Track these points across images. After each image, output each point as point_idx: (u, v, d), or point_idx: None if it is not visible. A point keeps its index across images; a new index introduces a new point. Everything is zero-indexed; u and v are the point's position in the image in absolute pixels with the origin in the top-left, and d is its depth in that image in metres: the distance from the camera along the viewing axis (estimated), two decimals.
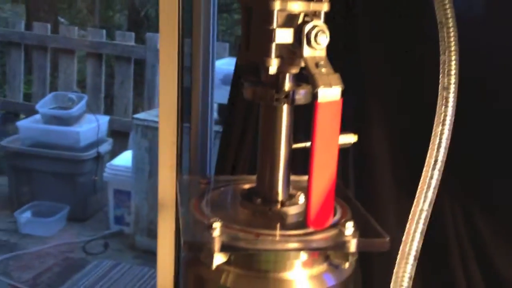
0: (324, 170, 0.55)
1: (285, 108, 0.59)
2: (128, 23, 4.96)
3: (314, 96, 0.52)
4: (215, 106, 1.46)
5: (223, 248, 0.55)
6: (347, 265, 0.66)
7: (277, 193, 0.61)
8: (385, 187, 0.86)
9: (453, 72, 0.49)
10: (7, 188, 3.07)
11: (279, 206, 0.61)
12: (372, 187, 0.88)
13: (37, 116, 3.04)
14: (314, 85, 0.52)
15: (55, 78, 3.66)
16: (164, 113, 0.99)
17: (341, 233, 0.63)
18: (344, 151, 1.05)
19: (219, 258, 0.56)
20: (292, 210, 0.61)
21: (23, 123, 3.08)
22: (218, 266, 0.57)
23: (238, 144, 1.01)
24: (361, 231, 0.66)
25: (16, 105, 3.66)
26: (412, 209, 0.57)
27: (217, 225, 0.56)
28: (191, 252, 0.58)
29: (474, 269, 0.83)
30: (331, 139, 0.55)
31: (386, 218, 0.84)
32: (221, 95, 1.22)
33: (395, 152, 0.84)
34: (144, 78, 3.37)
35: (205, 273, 0.58)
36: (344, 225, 0.63)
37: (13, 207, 2.94)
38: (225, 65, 2.43)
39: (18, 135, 3.03)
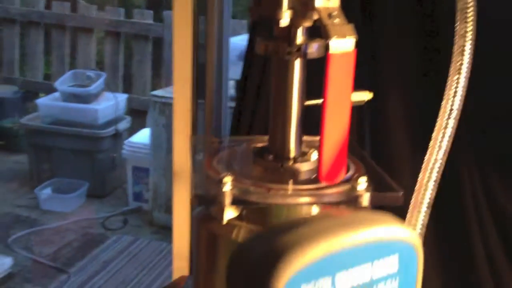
0: (336, 124, 0.55)
1: (297, 62, 0.58)
2: (146, 2, 4.96)
3: (327, 47, 0.51)
4: (232, 83, 1.45)
5: (234, 202, 0.54)
6: None
7: (289, 150, 0.60)
8: (401, 145, 0.85)
9: (470, 19, 0.47)
10: (28, 166, 3.12)
11: (291, 162, 0.60)
12: (387, 145, 0.87)
13: (56, 94, 3.06)
14: (326, 36, 0.51)
15: (74, 57, 3.68)
16: (179, 88, 1.00)
17: (354, 188, 0.63)
18: (359, 110, 1.05)
19: (230, 213, 0.56)
20: (304, 167, 0.60)
21: (42, 101, 3.11)
22: (229, 221, 0.56)
23: (251, 115, 1.01)
24: (375, 186, 0.65)
25: (36, 84, 3.69)
26: (426, 157, 0.56)
27: (228, 180, 0.55)
28: (202, 206, 0.58)
29: (490, 228, 0.82)
30: (344, 92, 0.54)
31: (402, 175, 0.83)
32: (237, 71, 1.22)
33: (411, 109, 0.83)
34: (162, 56, 3.38)
35: (216, 229, 0.58)
36: (356, 180, 0.63)
37: (33, 184, 2.98)
38: (242, 41, 2.42)
39: (38, 113, 3.06)
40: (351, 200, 0.63)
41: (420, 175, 0.56)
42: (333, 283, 0.28)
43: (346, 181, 0.65)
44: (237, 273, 0.27)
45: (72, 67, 3.60)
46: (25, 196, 2.98)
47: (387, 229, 0.29)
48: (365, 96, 0.67)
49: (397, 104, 0.84)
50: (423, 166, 0.56)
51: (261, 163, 0.61)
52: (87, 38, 3.55)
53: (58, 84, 3.05)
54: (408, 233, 0.29)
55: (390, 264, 0.30)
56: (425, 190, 0.56)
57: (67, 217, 2.81)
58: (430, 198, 0.56)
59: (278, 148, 0.61)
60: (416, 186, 0.57)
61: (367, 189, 0.62)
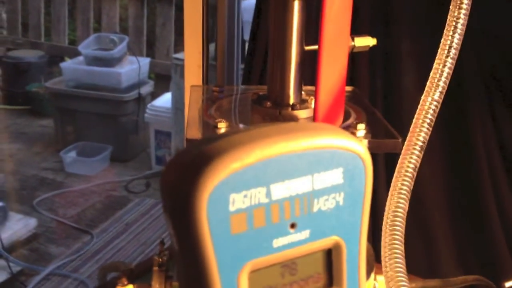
0: (333, 67, 0.52)
1: (296, 3, 0.56)
2: None
3: None
4: None
5: None
6: None
7: (288, 96, 0.59)
8: (410, 89, 0.83)
9: None
10: (53, 129, 3.15)
11: (289, 109, 0.58)
12: (400, 99, 0.85)
13: (80, 58, 3.07)
14: None
15: (98, 21, 3.68)
16: (190, 34, 0.99)
17: (352, 134, 0.61)
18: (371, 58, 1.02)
19: None
20: (303, 114, 0.58)
21: (67, 65, 3.13)
22: None
23: (260, 75, 0.99)
24: (375, 134, 0.63)
25: (61, 48, 3.71)
26: (422, 97, 0.53)
27: (222, 125, 0.54)
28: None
29: (501, 175, 0.79)
30: (341, 34, 0.52)
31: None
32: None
33: (421, 51, 0.80)
34: None
35: None
36: (355, 127, 0.61)
37: (58, 147, 3.01)
38: None
39: (62, 76, 3.08)
40: None
41: (416, 116, 0.54)
42: (268, 194, 0.26)
43: (345, 128, 0.64)
44: (164, 179, 0.26)
45: (97, 31, 3.60)
46: (50, 159, 3.02)
47: (330, 138, 0.26)
48: (370, 41, 0.64)
49: (407, 46, 0.82)
50: (419, 106, 0.54)
51: (259, 110, 0.60)
52: (111, 2, 3.54)
53: (81, 47, 3.05)
54: (354, 145, 0.27)
55: (334, 177, 0.27)
56: (419, 132, 0.53)
57: (91, 180, 2.84)
58: (423, 142, 0.54)
59: (277, 94, 0.59)
60: (411, 127, 0.54)
61: (365, 136, 0.61)
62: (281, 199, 0.26)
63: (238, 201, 0.25)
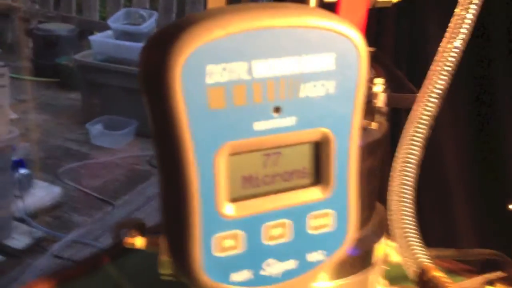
0: (351, 17, 0.50)
1: None
2: None
3: None
4: None
5: None
6: (373, 125, 0.62)
7: None
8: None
9: None
10: (81, 102, 3.18)
11: None
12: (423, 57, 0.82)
13: (109, 32, 3.08)
14: None
15: None
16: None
17: (369, 89, 0.60)
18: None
19: None
20: None
21: (95, 38, 3.15)
22: None
23: None
24: (393, 90, 0.62)
25: (92, 23, 3.73)
26: (441, 44, 0.51)
27: None
28: None
29: None
30: None
31: None
32: None
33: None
34: None
35: None
36: (372, 81, 0.60)
37: (85, 119, 3.04)
38: None
39: (91, 50, 3.10)
40: (366, 100, 0.60)
41: (433, 62, 0.51)
42: (249, 71, 0.24)
43: None
44: (141, 52, 0.24)
45: (127, 7, 3.60)
46: (77, 131, 3.04)
47: (321, 18, 0.24)
48: None
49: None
50: (438, 53, 0.51)
51: None
52: None
53: (110, 21, 3.07)
54: (346, 29, 0.25)
55: (324, 62, 0.25)
56: (437, 79, 0.51)
57: (115, 153, 2.86)
58: (441, 89, 0.52)
59: None
60: (428, 74, 0.52)
61: (383, 90, 0.59)
62: (264, 78, 0.24)
63: (216, 73, 0.23)
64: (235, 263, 0.25)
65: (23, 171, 2.29)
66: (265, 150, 0.25)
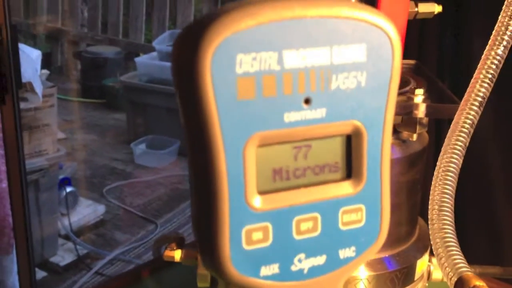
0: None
1: None
2: None
3: None
4: None
5: None
6: (415, 137, 0.61)
7: None
8: None
9: None
10: (125, 122, 3.25)
11: None
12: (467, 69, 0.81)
13: (154, 53, 3.15)
14: None
15: (173, 19, 3.77)
16: None
17: (410, 99, 0.59)
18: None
19: None
20: None
21: (141, 59, 3.22)
22: None
23: None
24: (434, 100, 0.61)
25: (137, 45, 3.82)
26: (485, 52, 0.50)
27: None
28: None
29: None
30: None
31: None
32: None
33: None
34: None
35: None
36: (413, 92, 0.59)
37: (130, 139, 3.10)
38: None
39: (136, 71, 3.17)
40: (405, 110, 0.59)
41: (476, 71, 0.50)
42: (280, 61, 0.24)
43: (403, 93, 0.62)
44: (174, 45, 0.24)
45: (172, 29, 3.68)
46: (122, 150, 3.10)
47: (353, 9, 0.24)
48: (434, 8, 0.62)
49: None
50: (481, 61, 0.50)
51: None
52: (187, 1, 3.62)
53: (156, 43, 3.13)
54: (380, 20, 0.24)
55: (355, 53, 0.25)
56: (480, 87, 0.50)
57: (159, 172, 2.89)
58: (482, 98, 0.50)
59: None
60: (471, 82, 0.51)
61: (424, 101, 0.58)
62: (295, 69, 0.24)
63: (246, 63, 0.23)
64: (264, 257, 0.25)
65: (69, 189, 2.34)
66: (295, 142, 0.25)
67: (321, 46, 0.24)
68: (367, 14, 0.25)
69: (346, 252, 0.26)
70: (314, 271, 0.26)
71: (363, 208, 0.26)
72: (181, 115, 0.25)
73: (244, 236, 0.25)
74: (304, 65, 0.24)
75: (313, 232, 0.26)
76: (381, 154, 0.26)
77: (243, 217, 0.25)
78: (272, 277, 0.25)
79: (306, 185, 0.26)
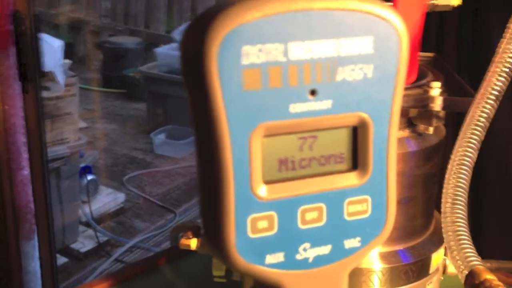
0: (408, 20, 0.50)
1: None
2: None
3: None
4: None
5: None
6: (431, 130, 0.61)
7: None
8: None
9: None
10: (145, 112, 3.28)
11: None
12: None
13: (174, 44, 3.16)
14: None
15: (194, 10, 3.78)
16: None
17: (426, 92, 0.59)
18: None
19: None
20: None
21: (161, 50, 3.23)
22: None
23: None
24: (451, 93, 0.60)
25: (158, 36, 3.84)
26: (502, 46, 0.49)
27: None
28: None
29: None
30: None
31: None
32: None
33: None
34: None
35: None
36: (430, 85, 0.59)
37: (150, 129, 3.13)
38: None
39: (156, 61, 3.18)
40: (422, 103, 0.59)
41: (493, 64, 0.50)
42: (285, 53, 0.24)
43: (419, 86, 0.61)
44: (182, 37, 0.25)
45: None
46: (141, 140, 3.13)
47: (360, 2, 0.24)
48: (453, 0, 0.62)
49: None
50: (498, 54, 0.50)
51: None
52: None
53: (175, 34, 3.14)
54: (386, 12, 0.24)
55: (362, 45, 0.25)
56: (496, 80, 0.50)
57: (178, 162, 2.91)
58: (499, 91, 0.50)
59: None
60: (487, 76, 0.50)
61: (440, 94, 0.58)
62: (301, 60, 0.24)
63: (252, 54, 0.24)
64: (270, 245, 0.25)
65: (90, 177, 2.37)
66: (300, 133, 0.25)
67: (327, 38, 0.25)
68: (374, 6, 0.25)
69: (351, 243, 0.27)
70: (319, 261, 0.26)
71: (368, 199, 0.26)
72: (189, 105, 0.26)
73: (250, 225, 0.25)
74: (310, 57, 0.25)
75: (318, 222, 0.26)
76: (387, 146, 0.26)
77: (249, 205, 0.25)
78: (277, 265, 0.26)
79: (311, 176, 0.26)
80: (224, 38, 0.23)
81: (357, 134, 0.26)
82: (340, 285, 0.27)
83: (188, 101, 0.26)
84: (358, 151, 0.26)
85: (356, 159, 0.26)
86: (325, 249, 0.26)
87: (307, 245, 0.26)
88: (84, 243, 2.22)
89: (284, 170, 0.25)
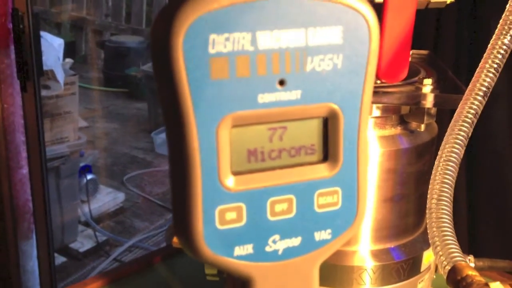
0: (399, 19, 0.50)
1: None
2: None
3: None
4: None
5: None
6: (423, 127, 0.61)
7: None
8: None
9: None
10: (147, 112, 3.28)
11: None
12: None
13: None
14: None
15: None
16: None
17: (418, 89, 0.59)
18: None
19: None
20: None
21: None
22: None
23: None
24: (444, 90, 0.60)
25: None
26: (491, 41, 0.49)
27: None
28: None
29: None
30: None
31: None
32: None
33: None
34: None
35: None
36: (422, 82, 0.58)
37: (150, 128, 3.13)
38: None
39: None
40: (413, 100, 0.58)
41: (482, 60, 0.50)
42: (253, 42, 0.24)
43: (411, 83, 0.61)
44: (152, 26, 0.24)
45: None
46: (142, 139, 3.13)
47: None
48: None
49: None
50: (487, 50, 0.50)
51: None
52: None
53: None
54: (356, 2, 0.24)
55: (331, 35, 0.24)
56: (485, 77, 0.49)
57: None
58: (487, 88, 0.50)
59: None
60: (476, 72, 0.50)
61: (432, 91, 0.58)
62: (269, 49, 0.24)
63: (219, 43, 0.23)
64: (238, 237, 0.25)
65: (90, 176, 2.37)
66: (270, 123, 0.25)
67: (296, 28, 0.24)
68: None
69: (321, 235, 0.26)
70: (289, 253, 0.26)
71: (339, 191, 0.26)
72: (158, 94, 0.25)
73: (218, 216, 0.25)
74: (279, 46, 0.24)
75: (288, 214, 0.26)
76: (358, 137, 0.26)
77: (217, 196, 0.25)
78: (246, 257, 0.25)
79: (281, 167, 0.26)
80: (190, 26, 0.23)
81: (328, 125, 0.26)
82: (311, 278, 0.26)
83: (157, 92, 0.26)
84: (328, 142, 0.26)
85: (327, 150, 0.26)
86: (295, 241, 0.26)
87: (276, 237, 0.26)
88: (83, 243, 2.23)
89: (253, 161, 0.25)
